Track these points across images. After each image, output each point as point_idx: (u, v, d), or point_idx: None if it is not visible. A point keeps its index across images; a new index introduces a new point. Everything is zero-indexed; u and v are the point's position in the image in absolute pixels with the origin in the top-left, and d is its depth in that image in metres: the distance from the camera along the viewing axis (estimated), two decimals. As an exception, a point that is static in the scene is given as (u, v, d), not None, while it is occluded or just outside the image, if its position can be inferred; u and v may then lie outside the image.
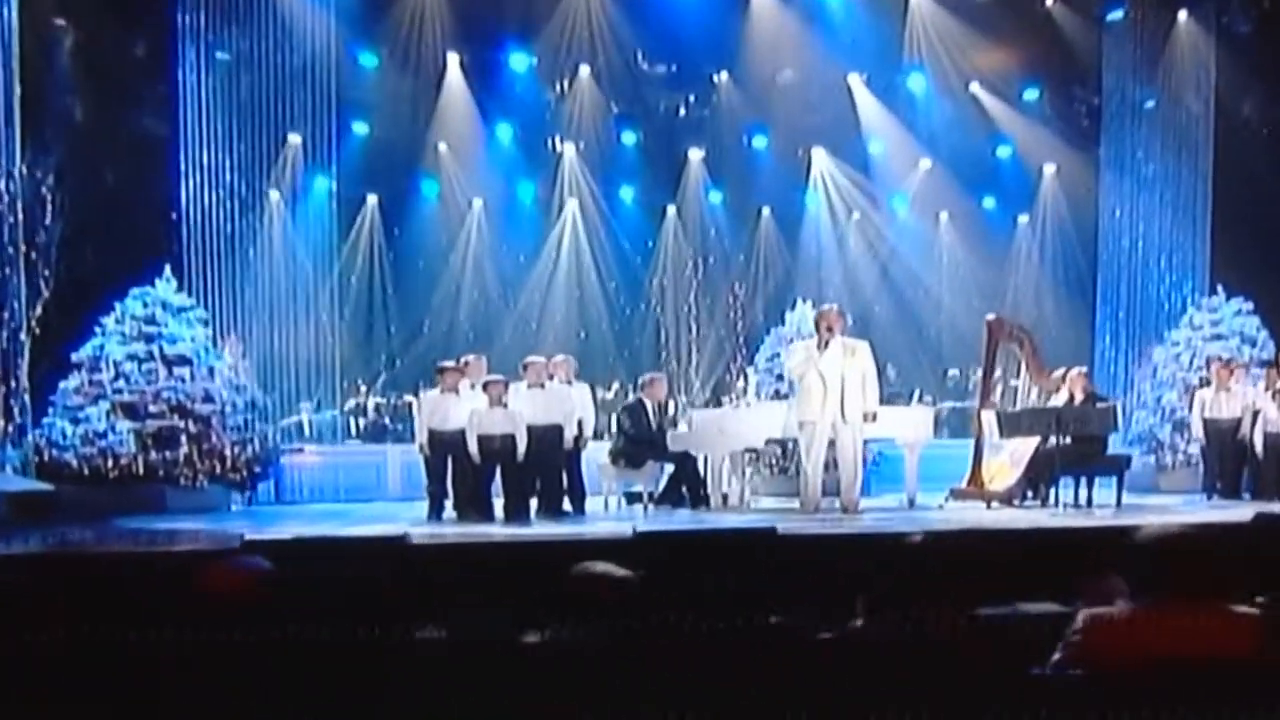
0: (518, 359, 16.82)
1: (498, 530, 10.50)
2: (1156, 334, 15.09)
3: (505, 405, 11.31)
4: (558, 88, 17.46)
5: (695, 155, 18.14)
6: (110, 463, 13.24)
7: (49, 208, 13.17)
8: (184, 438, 13.65)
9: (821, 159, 18.21)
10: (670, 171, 18.29)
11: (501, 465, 11.30)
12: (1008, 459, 11.98)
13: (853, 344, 11.27)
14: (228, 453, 13.91)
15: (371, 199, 18.24)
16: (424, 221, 18.74)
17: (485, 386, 11.40)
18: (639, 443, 12.22)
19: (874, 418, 11.22)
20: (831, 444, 11.26)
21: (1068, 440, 11.56)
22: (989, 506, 11.68)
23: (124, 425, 13.43)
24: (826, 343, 10.99)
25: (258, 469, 14.23)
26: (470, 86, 17.13)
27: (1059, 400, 12.05)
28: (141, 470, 13.32)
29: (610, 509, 12.22)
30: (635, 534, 6.62)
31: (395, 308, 18.53)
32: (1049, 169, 17.80)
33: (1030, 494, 11.83)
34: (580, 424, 12.01)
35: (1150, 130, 15.98)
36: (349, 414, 17.32)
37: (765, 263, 18.61)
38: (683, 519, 11.59)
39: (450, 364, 11.99)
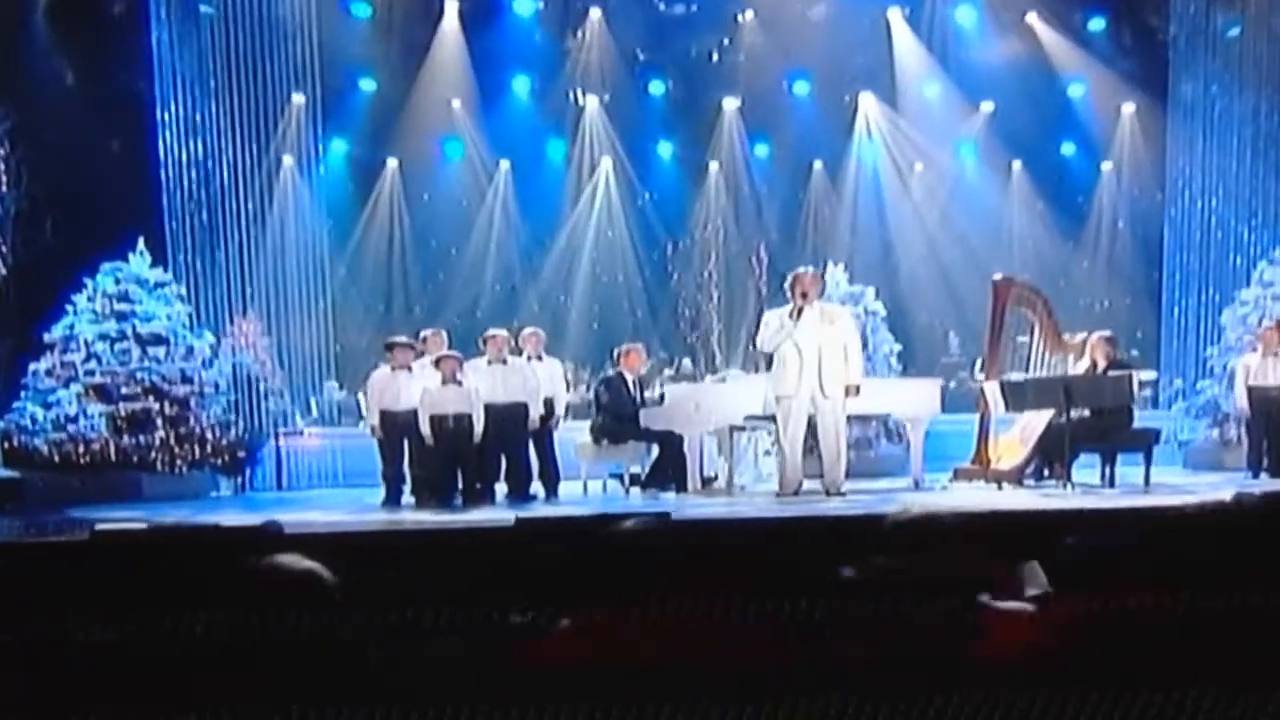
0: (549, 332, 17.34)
1: (429, 518, 10.69)
2: (1230, 294, 14.75)
3: (460, 383, 11.57)
4: (573, 34, 17.58)
5: (730, 105, 18.14)
6: (81, 448, 13.84)
7: (2, 176, 13.66)
8: (159, 420, 14.23)
9: (871, 105, 18.09)
10: (706, 124, 18.33)
11: (457, 447, 11.56)
12: (1018, 435, 11.91)
13: (832, 311, 11.26)
14: (208, 437, 14.50)
15: (392, 163, 18.60)
16: (448, 186, 19.02)
17: (437, 363, 11.68)
18: (622, 419, 12.40)
19: (857, 391, 11.20)
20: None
21: (1086, 413, 11.45)
22: (999, 487, 11.62)
23: (95, 408, 14.00)
24: (800, 310, 10.98)
25: (242, 454, 14.77)
26: (474, 35, 17.33)
27: (1081, 369, 11.91)
28: (114, 456, 13.90)
29: (590, 492, 12.42)
30: (516, 522, 6.85)
31: (418, 279, 18.85)
32: (1127, 109, 17.45)
33: (1046, 472, 11.74)
34: (550, 402, 12.25)
35: (1229, 62, 15.52)
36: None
37: (817, 221, 18.60)
38: (668, 503, 11.72)
39: (401, 339, 12.30)
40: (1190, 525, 4.49)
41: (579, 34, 17.58)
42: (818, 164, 18.69)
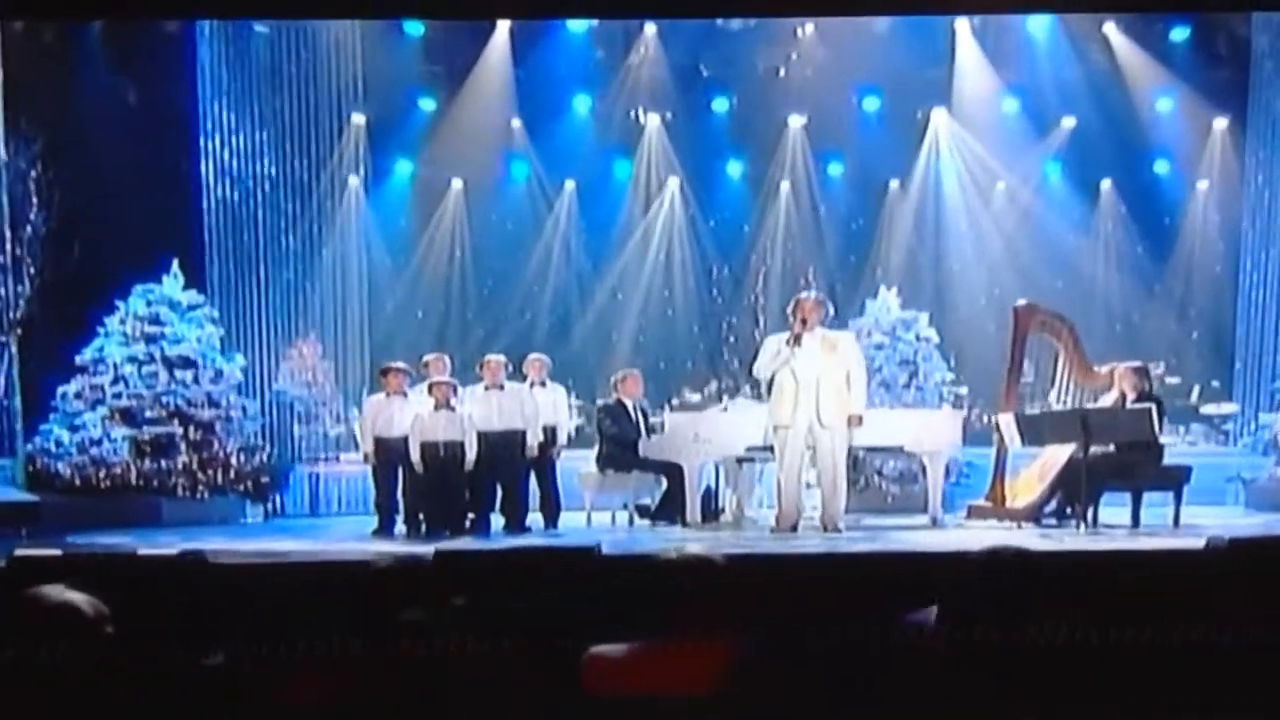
0: (605, 359, 17.46)
1: (366, 548, 10.79)
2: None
3: (452, 409, 11.73)
4: (629, 51, 17.68)
5: (796, 122, 18.04)
6: (102, 472, 14.29)
7: (34, 198, 14.16)
8: (183, 445, 14.67)
9: (944, 121, 17.84)
10: (771, 142, 18.26)
11: (448, 476, 11.70)
12: (1037, 471, 11.67)
13: (834, 337, 11.18)
14: (233, 462, 14.89)
15: (457, 183, 18.83)
16: (514, 206, 19.16)
17: (430, 388, 11.86)
18: (625, 448, 12.45)
19: (859, 421, 11.13)
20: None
21: (1110, 448, 11.21)
22: (1019, 526, 11.40)
23: (119, 432, 14.48)
24: (799, 337, 10.94)
25: (266, 479, 15.12)
26: (527, 53, 17.50)
27: (1108, 401, 11.65)
28: (136, 480, 14.34)
29: (594, 523, 12.49)
30: (436, 554, 6.98)
31: (476, 303, 18.97)
32: (1219, 124, 16.97)
33: (1068, 511, 11.47)
34: (552, 431, 12.36)
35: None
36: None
37: (893, 242, 18.36)
38: (674, 536, 11.71)
39: (396, 364, 12.52)
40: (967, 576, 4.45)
41: (641, 51, 17.63)
42: (894, 183, 18.46)
